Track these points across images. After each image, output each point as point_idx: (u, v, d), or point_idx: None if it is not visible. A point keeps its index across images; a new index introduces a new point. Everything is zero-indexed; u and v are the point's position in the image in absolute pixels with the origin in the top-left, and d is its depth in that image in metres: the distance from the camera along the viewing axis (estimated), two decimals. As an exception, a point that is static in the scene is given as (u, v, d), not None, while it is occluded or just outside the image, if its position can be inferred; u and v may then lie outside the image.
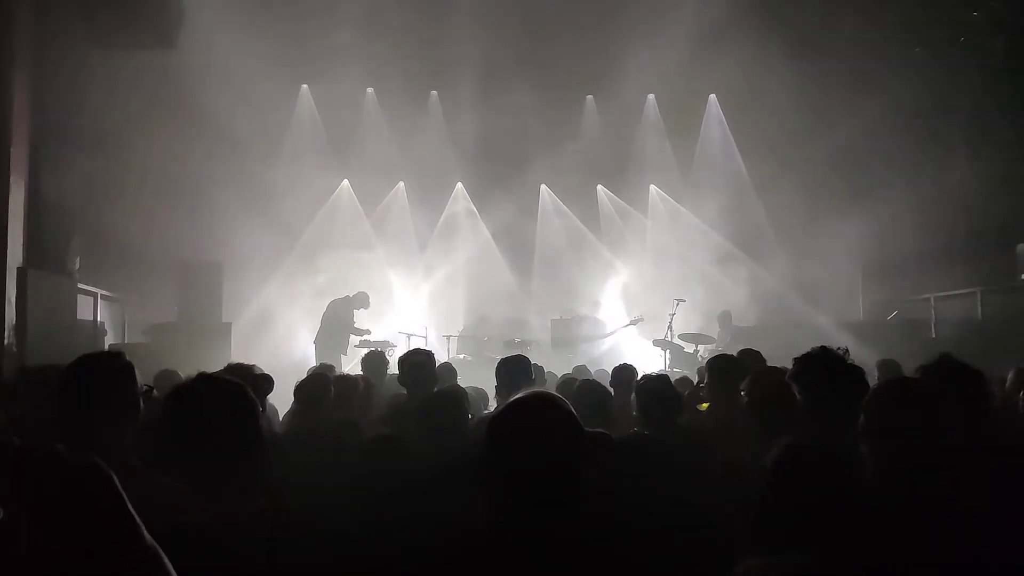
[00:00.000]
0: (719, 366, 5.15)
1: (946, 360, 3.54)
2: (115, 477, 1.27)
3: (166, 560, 1.28)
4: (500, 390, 5.22)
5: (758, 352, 6.00)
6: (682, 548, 2.55)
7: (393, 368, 7.40)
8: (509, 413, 2.05)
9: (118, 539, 1.24)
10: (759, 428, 3.85)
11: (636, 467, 3.24)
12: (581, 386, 4.96)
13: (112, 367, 2.75)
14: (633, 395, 4.68)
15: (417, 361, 5.51)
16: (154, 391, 3.03)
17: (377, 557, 2.27)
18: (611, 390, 5.40)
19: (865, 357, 4.68)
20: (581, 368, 8.98)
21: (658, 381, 4.68)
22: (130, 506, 1.27)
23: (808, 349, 4.69)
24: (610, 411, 4.66)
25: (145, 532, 1.27)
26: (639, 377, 5.14)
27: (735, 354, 5.89)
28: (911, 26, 13.42)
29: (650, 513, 2.90)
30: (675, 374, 9.94)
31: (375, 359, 7.06)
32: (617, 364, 6.90)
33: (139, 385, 2.83)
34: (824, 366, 3.57)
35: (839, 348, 3.71)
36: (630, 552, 1.97)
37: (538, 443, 1.95)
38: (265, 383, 4.48)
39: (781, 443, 2.29)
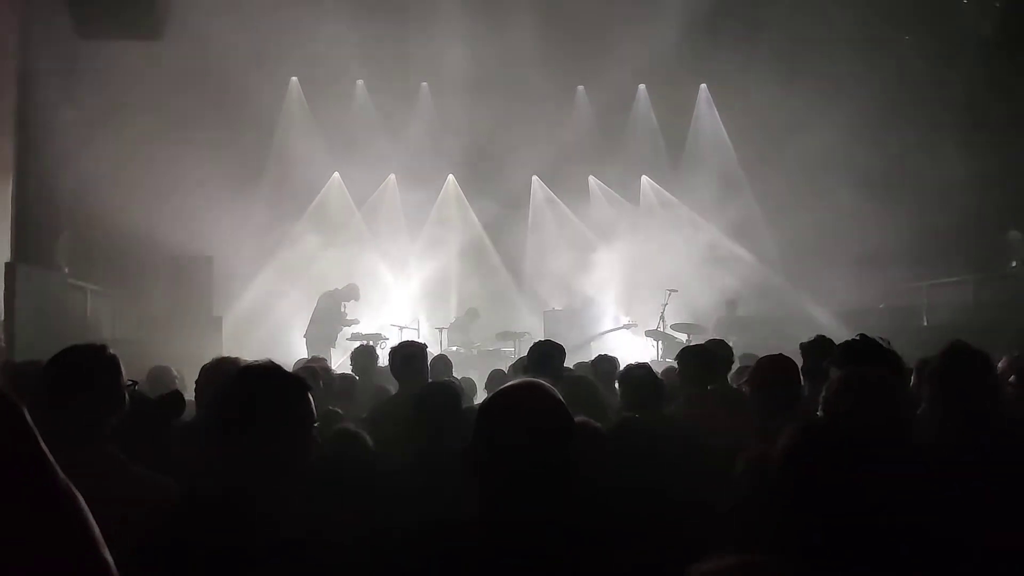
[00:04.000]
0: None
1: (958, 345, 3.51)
2: (27, 412, 1.14)
3: (81, 501, 1.16)
4: (530, 371, 5.11)
5: (726, 344, 6.07)
6: (670, 534, 2.53)
7: (383, 361, 7.37)
8: (499, 401, 2.04)
9: (25, 475, 1.11)
10: (761, 415, 3.88)
11: (624, 454, 3.22)
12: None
13: (97, 360, 2.72)
14: (616, 384, 4.69)
15: (409, 353, 5.40)
16: (137, 385, 3.00)
17: (368, 554, 2.25)
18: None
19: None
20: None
21: (641, 370, 4.68)
22: (42, 443, 1.14)
23: (801, 338, 4.74)
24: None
25: (59, 471, 1.14)
26: (622, 367, 5.13)
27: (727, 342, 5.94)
28: (901, 14, 13.42)
29: (637, 499, 2.88)
30: (667, 364, 9.91)
31: (364, 354, 6.98)
32: (598, 355, 6.89)
33: (124, 379, 2.80)
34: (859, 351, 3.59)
35: (881, 338, 3.72)
36: (619, 539, 1.96)
37: (528, 430, 1.94)
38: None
39: (793, 427, 2.25)
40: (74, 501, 1.15)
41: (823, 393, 2.82)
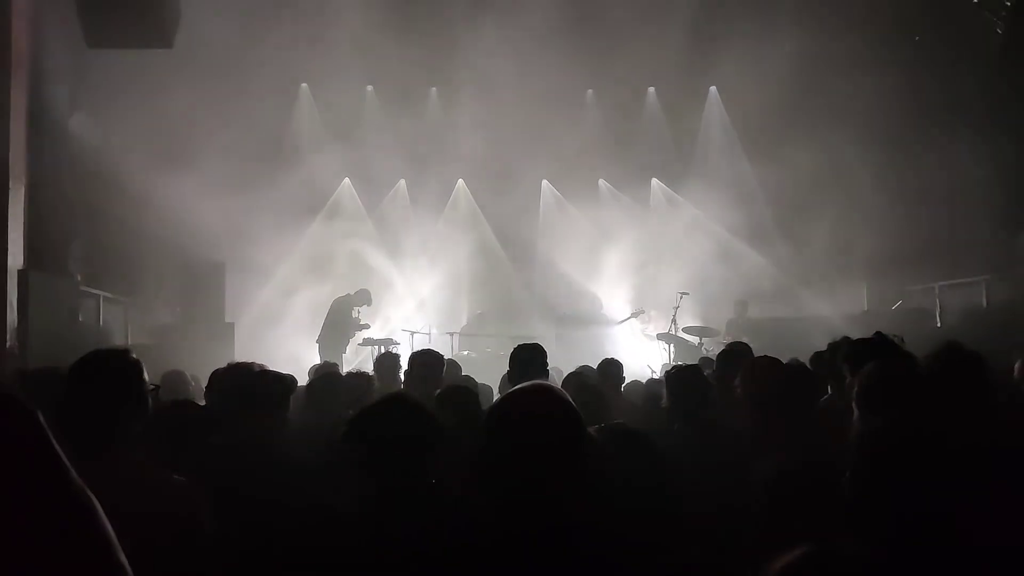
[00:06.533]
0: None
1: (952, 347, 3.50)
2: (39, 414, 1.13)
3: (96, 504, 1.14)
4: (512, 378, 5.16)
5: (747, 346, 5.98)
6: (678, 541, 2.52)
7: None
8: (507, 401, 2.02)
9: (40, 478, 1.10)
10: (755, 423, 3.82)
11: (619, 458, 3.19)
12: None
13: (122, 364, 2.74)
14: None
15: (427, 362, 5.55)
16: (159, 390, 3.01)
17: (377, 552, 2.25)
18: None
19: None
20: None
21: (689, 370, 4.62)
22: (56, 445, 1.13)
23: (812, 340, 4.69)
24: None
25: (74, 474, 1.13)
26: (672, 367, 5.11)
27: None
28: (912, 15, 13.37)
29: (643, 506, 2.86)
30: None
31: (389, 361, 6.97)
32: (605, 359, 6.85)
33: (147, 384, 2.81)
34: (880, 350, 3.56)
35: (895, 336, 3.71)
36: (630, 542, 1.94)
37: (536, 430, 1.90)
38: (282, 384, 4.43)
39: (878, 423, 2.27)
40: (89, 504, 1.13)
41: (855, 387, 2.80)
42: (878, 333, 3.71)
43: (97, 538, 1.13)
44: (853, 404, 2.81)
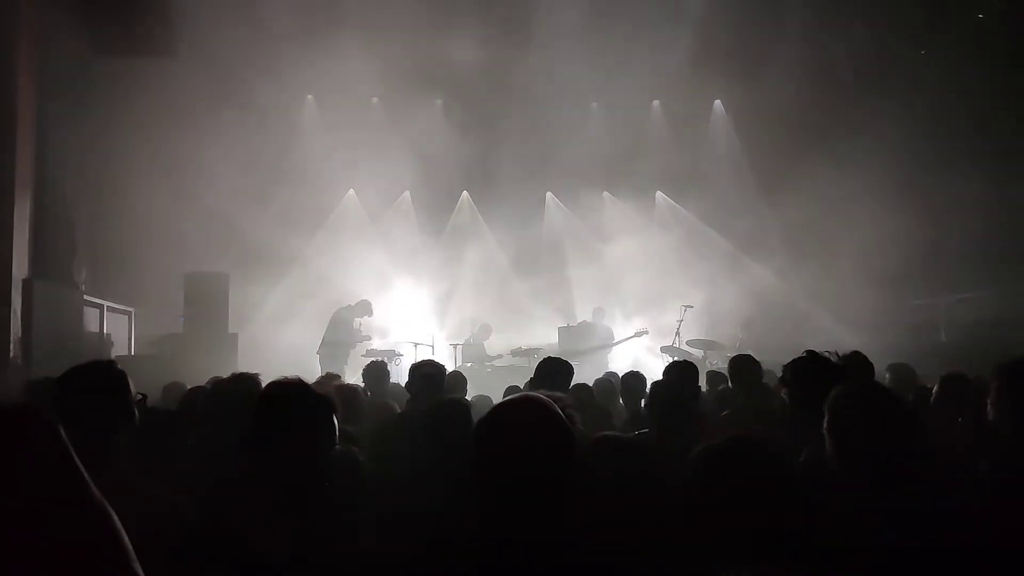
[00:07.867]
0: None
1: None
2: (61, 428, 1.17)
3: (115, 518, 1.18)
4: (535, 388, 5.14)
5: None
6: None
7: (395, 377, 7.35)
8: (497, 412, 2.01)
9: (61, 490, 1.14)
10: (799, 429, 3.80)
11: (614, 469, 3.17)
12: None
13: (106, 376, 2.73)
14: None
15: (427, 373, 5.50)
16: (146, 400, 3.00)
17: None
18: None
19: (875, 361, 4.60)
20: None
21: (670, 383, 4.62)
22: (76, 459, 1.17)
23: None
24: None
25: (93, 487, 1.17)
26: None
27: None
28: (916, 30, 13.37)
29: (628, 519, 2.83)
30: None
31: (377, 370, 6.97)
32: (627, 371, 6.85)
33: (132, 394, 2.80)
34: (809, 369, 3.54)
35: (827, 352, 3.67)
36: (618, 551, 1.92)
37: (524, 439, 1.90)
38: None
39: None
40: (107, 516, 1.17)
41: (826, 414, 2.76)
42: (809, 351, 3.68)
43: (115, 549, 1.17)
44: (825, 432, 2.75)
